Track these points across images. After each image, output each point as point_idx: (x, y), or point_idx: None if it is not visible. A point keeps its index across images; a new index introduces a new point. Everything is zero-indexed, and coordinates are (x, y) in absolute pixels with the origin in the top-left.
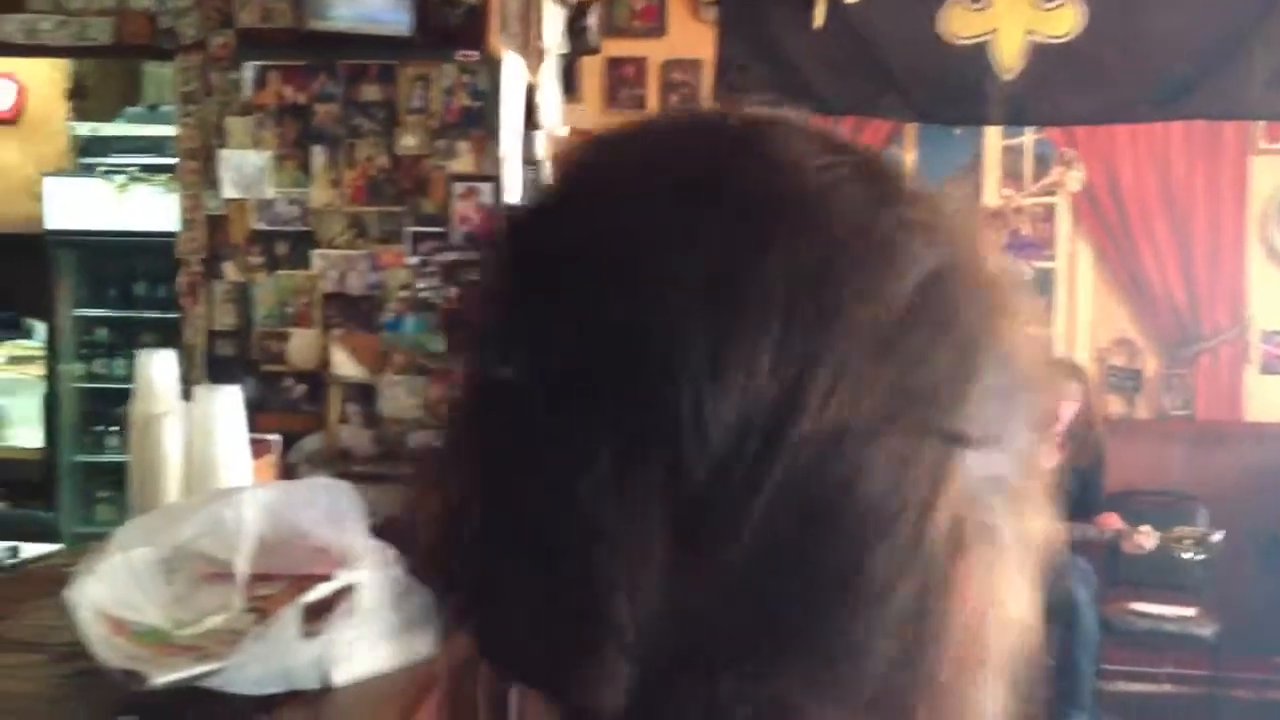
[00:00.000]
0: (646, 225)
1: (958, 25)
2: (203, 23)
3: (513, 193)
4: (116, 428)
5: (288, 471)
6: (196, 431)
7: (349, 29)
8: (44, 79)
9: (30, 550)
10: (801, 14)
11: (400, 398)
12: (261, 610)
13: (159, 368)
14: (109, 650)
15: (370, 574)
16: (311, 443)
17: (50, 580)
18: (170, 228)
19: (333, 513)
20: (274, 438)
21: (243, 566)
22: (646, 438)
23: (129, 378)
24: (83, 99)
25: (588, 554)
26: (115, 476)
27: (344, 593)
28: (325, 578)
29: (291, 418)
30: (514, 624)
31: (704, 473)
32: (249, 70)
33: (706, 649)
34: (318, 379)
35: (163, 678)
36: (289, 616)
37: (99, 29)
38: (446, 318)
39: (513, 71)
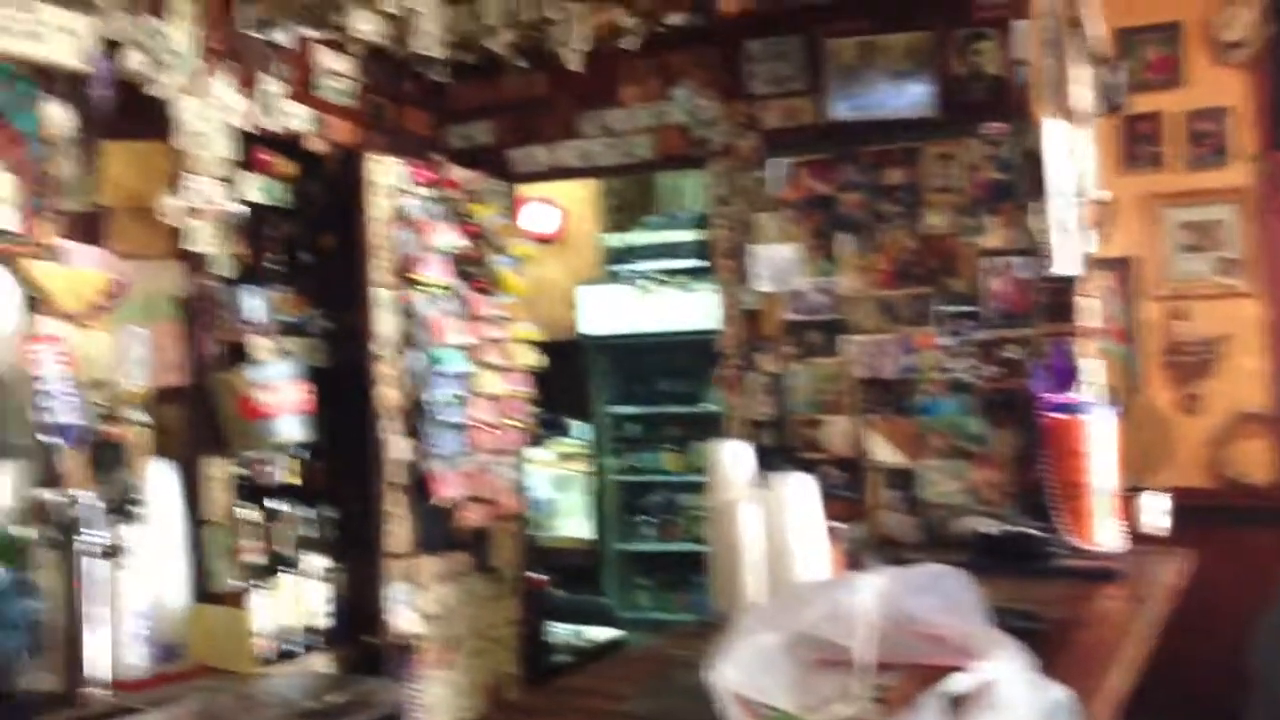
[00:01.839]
0: None
1: None
2: (731, 129)
3: (1064, 262)
4: (650, 517)
5: (851, 559)
6: (772, 518)
7: (870, 117)
8: (579, 200)
9: (593, 633)
10: None
11: (941, 482)
12: (887, 700)
13: (731, 457)
14: None
15: (1006, 668)
16: (854, 529)
17: (655, 662)
18: (689, 326)
19: (949, 601)
20: (843, 526)
21: (863, 654)
22: None
23: (658, 469)
24: (611, 214)
25: None
26: (650, 564)
27: (980, 687)
28: (947, 668)
29: (832, 504)
30: None
31: None
32: (776, 168)
33: None
34: (856, 465)
35: None
36: (930, 708)
37: (641, 146)
38: (984, 398)
39: (1054, 136)
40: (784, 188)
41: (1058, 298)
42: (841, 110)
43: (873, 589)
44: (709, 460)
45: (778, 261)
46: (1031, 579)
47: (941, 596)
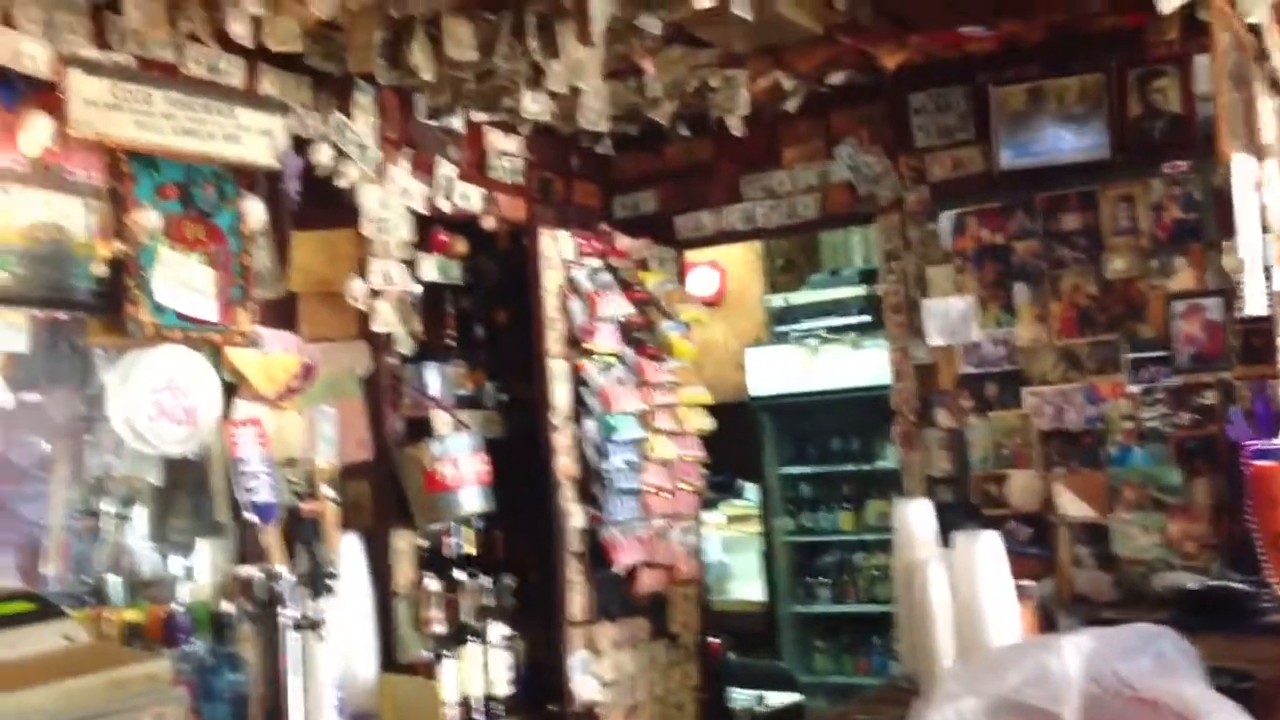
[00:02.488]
0: None
1: None
2: (898, 183)
3: (1259, 302)
4: (824, 578)
5: (1044, 618)
6: (960, 578)
7: (1042, 163)
8: (741, 260)
9: (774, 698)
10: None
11: (1136, 536)
12: None
13: (916, 516)
14: None
15: None
16: (1044, 587)
17: None
18: (859, 383)
19: (1163, 663)
20: (1032, 584)
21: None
22: None
23: (831, 530)
24: (775, 273)
25: None
26: (827, 626)
27: None
28: None
29: (1019, 561)
30: None
31: None
32: (945, 220)
33: None
34: (1042, 520)
35: None
36: None
37: (806, 206)
38: (1179, 446)
39: (1243, 172)
40: (955, 239)
41: (1255, 339)
42: (1011, 158)
43: (1078, 651)
44: (894, 519)
45: (951, 314)
46: (1240, 636)
47: (1154, 658)
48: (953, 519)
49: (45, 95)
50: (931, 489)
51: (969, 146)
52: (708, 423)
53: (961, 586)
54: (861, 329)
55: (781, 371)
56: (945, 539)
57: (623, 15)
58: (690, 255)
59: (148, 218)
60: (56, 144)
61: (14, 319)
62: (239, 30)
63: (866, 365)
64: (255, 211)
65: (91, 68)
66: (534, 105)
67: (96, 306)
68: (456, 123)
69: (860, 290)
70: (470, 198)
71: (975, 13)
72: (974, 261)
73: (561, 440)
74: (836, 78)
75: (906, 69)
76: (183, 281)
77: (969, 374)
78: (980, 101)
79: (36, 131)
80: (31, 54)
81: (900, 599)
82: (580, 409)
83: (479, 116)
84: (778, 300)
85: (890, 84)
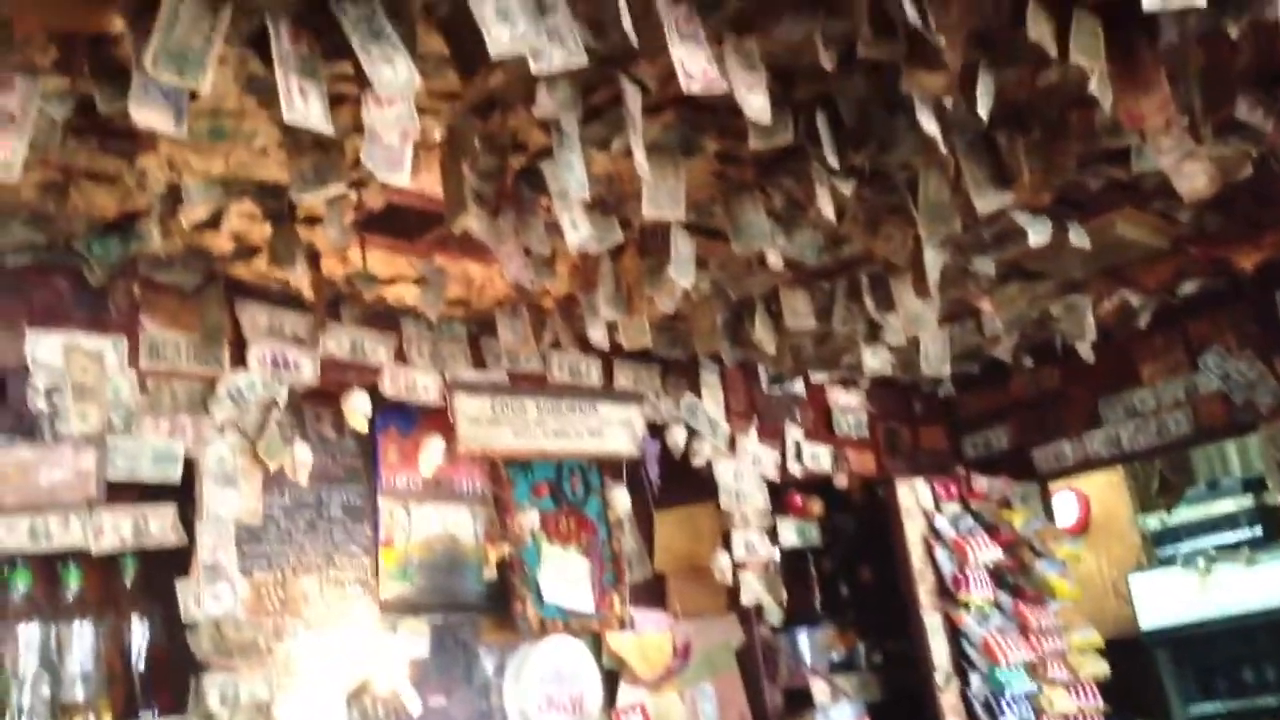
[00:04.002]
0: None
1: None
2: (1277, 387)
3: None
4: None
5: None
6: None
7: None
8: (1103, 484)
9: None
10: None
11: None
12: None
13: None
14: None
15: None
16: None
17: None
18: (1263, 604)
19: None
20: None
21: None
22: None
23: None
24: (1146, 492)
25: None
26: None
27: None
28: None
29: None
30: None
31: None
32: None
33: None
34: None
35: None
36: None
37: (1176, 423)
38: None
39: None
40: None
41: None
42: None
43: None
44: None
45: None
46: None
47: None
48: None
49: (436, 419)
50: None
51: None
52: (1103, 667)
53: None
54: (1255, 544)
55: (1173, 598)
56: None
57: (955, 263)
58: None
59: (528, 518)
60: (446, 461)
61: (418, 626)
62: (597, 336)
63: (1267, 583)
64: (621, 499)
65: (473, 389)
66: (874, 361)
67: (487, 607)
68: (798, 386)
69: (1248, 501)
70: (820, 457)
71: None
72: None
73: (948, 700)
74: (1189, 287)
75: (1268, 266)
76: (563, 574)
77: None
78: None
79: (431, 453)
80: (425, 384)
81: None
82: (963, 663)
83: (818, 377)
84: (1153, 521)
85: (1252, 284)
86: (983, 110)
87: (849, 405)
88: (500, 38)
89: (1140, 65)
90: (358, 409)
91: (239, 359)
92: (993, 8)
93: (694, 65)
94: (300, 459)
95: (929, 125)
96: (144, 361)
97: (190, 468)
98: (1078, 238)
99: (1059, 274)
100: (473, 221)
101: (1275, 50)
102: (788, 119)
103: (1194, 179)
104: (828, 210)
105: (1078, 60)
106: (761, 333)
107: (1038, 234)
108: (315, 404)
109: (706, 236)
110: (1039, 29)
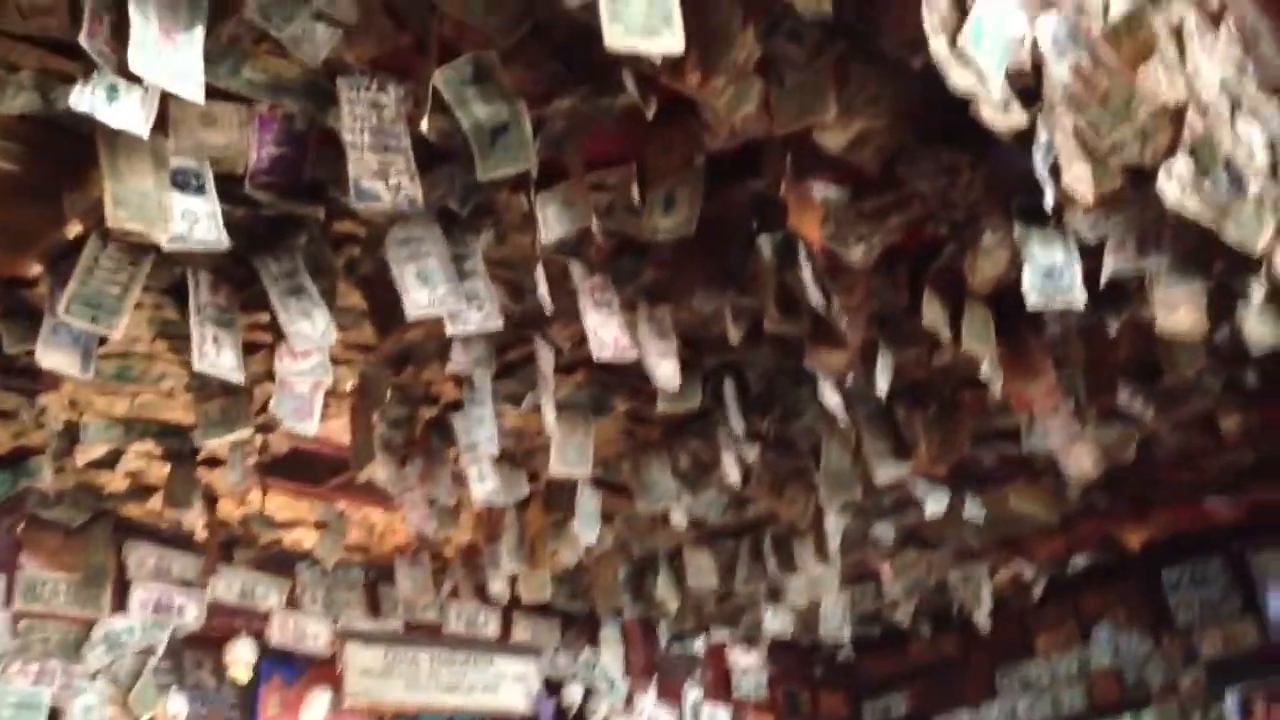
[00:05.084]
0: None
1: None
2: (1167, 665)
3: None
4: None
5: None
6: None
7: None
8: None
9: None
10: None
11: None
12: None
13: None
14: None
15: None
16: None
17: None
18: None
19: None
20: None
21: None
22: None
23: None
24: None
25: None
26: None
27: None
28: None
29: None
30: None
31: None
32: (1231, 700)
33: None
34: None
35: None
36: None
37: (1071, 697)
38: None
39: None
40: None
41: None
42: None
43: None
44: None
45: None
46: None
47: None
48: None
49: (324, 669)
50: None
51: (1239, 619)
52: None
53: None
54: None
55: None
56: None
57: (856, 528)
58: None
59: None
60: (332, 714)
61: None
62: (498, 588)
63: None
64: None
65: (366, 638)
66: (775, 622)
67: None
68: (698, 645)
69: None
70: (719, 717)
71: (1221, 483)
72: None
73: None
74: (1080, 561)
75: (1155, 545)
76: None
77: None
78: (1241, 571)
79: (316, 706)
80: (315, 632)
81: None
82: None
83: (719, 636)
84: None
85: (1139, 561)
86: (881, 387)
87: (749, 666)
88: (419, 300)
89: (1028, 354)
90: (241, 657)
91: (120, 602)
92: (892, 293)
93: (606, 333)
94: (173, 710)
95: (830, 398)
96: (19, 602)
97: (55, 717)
98: (973, 509)
99: (956, 543)
100: (379, 470)
101: (1151, 345)
102: (697, 384)
103: (1080, 460)
104: (733, 473)
105: (969, 347)
106: (664, 589)
107: (935, 504)
108: (196, 650)
109: (613, 492)
110: (933, 316)
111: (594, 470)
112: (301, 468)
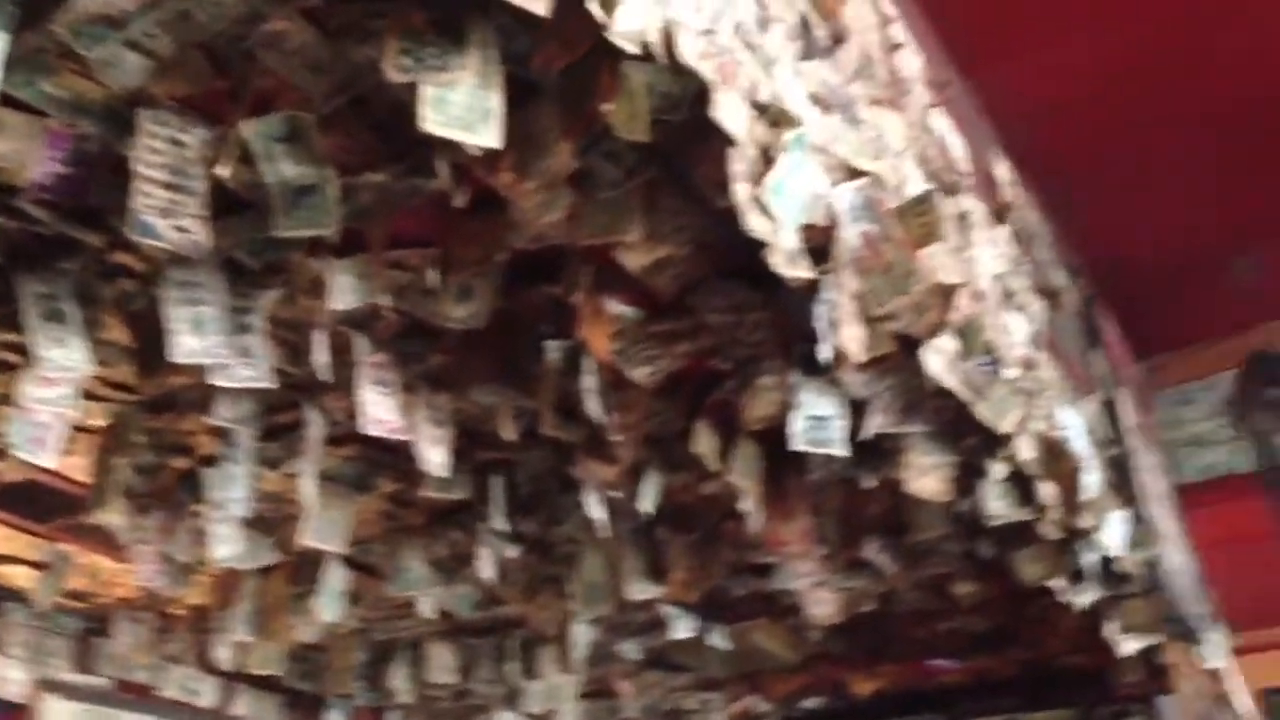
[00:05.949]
0: None
1: None
2: None
3: None
4: None
5: None
6: None
7: None
8: None
9: None
10: None
11: None
12: None
13: None
14: None
15: None
16: None
17: None
18: None
19: None
20: None
21: None
22: None
23: None
24: None
25: None
26: None
27: None
28: None
29: None
30: None
31: None
32: None
33: None
34: None
35: None
36: None
37: None
38: None
39: None
40: None
41: None
42: None
43: None
44: None
45: None
46: None
47: None
48: None
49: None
50: None
51: None
52: None
53: None
54: None
55: None
56: None
57: (603, 641)
58: None
59: None
60: None
61: None
62: (223, 655)
63: None
64: None
65: (68, 691)
66: None
67: None
68: None
69: None
70: None
71: (948, 646)
72: None
73: None
74: (811, 702)
75: (881, 696)
76: None
77: None
78: None
79: None
80: (13, 678)
81: None
82: None
83: None
84: None
85: (864, 709)
86: (646, 506)
87: None
88: (187, 345)
89: (788, 495)
90: None
91: None
92: (669, 417)
93: (379, 411)
94: None
95: (595, 509)
96: None
97: None
98: (719, 639)
99: (699, 670)
100: (115, 516)
101: (903, 504)
102: (466, 476)
103: (823, 605)
104: (488, 570)
105: (735, 479)
106: (400, 680)
107: (682, 629)
108: None
109: (363, 572)
110: (705, 444)
111: (347, 548)
112: (30, 501)
